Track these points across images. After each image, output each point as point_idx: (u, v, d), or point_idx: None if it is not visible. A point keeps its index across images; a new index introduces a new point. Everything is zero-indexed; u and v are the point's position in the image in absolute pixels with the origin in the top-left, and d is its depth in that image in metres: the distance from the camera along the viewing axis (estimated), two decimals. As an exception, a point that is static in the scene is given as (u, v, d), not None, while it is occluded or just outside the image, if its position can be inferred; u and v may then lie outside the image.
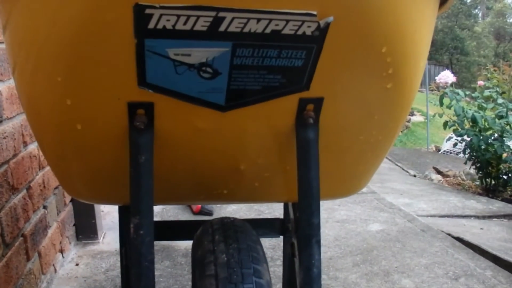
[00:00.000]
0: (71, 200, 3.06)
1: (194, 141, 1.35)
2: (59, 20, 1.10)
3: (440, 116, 5.67)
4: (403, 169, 7.27)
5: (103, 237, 3.27)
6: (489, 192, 5.37)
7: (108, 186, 1.48)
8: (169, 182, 1.48)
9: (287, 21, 1.08)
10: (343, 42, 1.16)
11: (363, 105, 1.34)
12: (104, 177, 1.45)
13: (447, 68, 24.01)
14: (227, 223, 1.51)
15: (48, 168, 2.62)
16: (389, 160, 8.06)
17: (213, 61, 1.16)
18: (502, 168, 5.27)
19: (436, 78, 5.72)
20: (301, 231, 1.38)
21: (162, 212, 3.78)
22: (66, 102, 1.22)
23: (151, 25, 1.07)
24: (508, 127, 5.21)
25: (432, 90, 11.67)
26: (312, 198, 1.36)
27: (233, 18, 1.06)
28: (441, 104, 5.60)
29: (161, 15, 1.05)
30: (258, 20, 1.08)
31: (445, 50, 32.50)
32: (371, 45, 1.18)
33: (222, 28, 1.08)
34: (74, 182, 1.51)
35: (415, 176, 6.64)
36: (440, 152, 10.67)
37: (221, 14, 1.05)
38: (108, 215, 3.65)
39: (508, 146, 5.14)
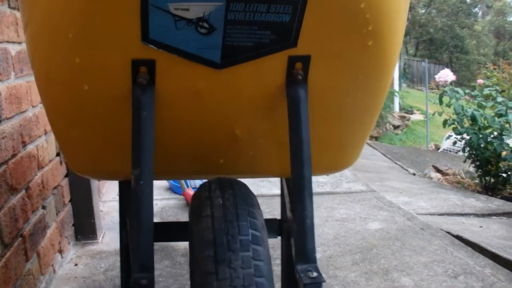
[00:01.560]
0: (70, 200, 3.07)
1: (192, 101, 1.42)
2: None
3: (440, 114, 5.68)
4: (402, 167, 7.27)
5: (102, 237, 3.27)
6: (489, 190, 5.38)
7: (111, 156, 1.55)
8: (168, 150, 1.53)
9: None
10: None
11: (347, 63, 1.43)
12: (108, 145, 1.51)
13: (447, 67, 24.02)
14: (224, 179, 1.57)
15: (47, 168, 2.62)
16: (389, 158, 8.07)
17: (209, 16, 1.25)
18: (502, 166, 5.28)
19: (436, 76, 5.73)
20: (293, 184, 1.43)
21: (161, 211, 3.79)
22: (75, 60, 1.30)
23: None
24: (507, 125, 5.22)
25: (431, 89, 11.68)
26: (303, 152, 1.41)
27: None
28: (441, 102, 5.61)
29: None
30: None
31: (445, 49, 32.51)
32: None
33: None
34: (78, 152, 1.57)
35: (414, 174, 6.65)
36: (439, 151, 10.68)
37: None
38: (107, 215, 3.65)
39: (508, 144, 5.15)
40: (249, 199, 1.49)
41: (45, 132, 2.64)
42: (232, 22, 1.28)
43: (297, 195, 1.43)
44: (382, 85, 1.57)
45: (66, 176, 2.99)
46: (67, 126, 1.49)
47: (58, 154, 2.84)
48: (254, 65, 1.37)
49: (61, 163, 2.88)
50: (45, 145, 2.64)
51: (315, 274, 1.39)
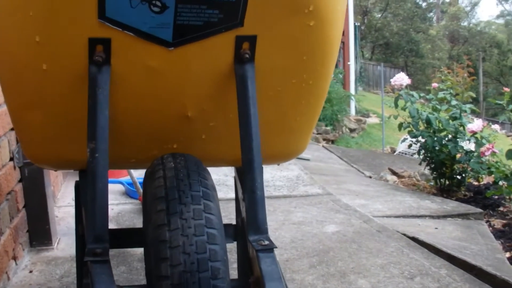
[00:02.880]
0: (25, 206, 3.02)
1: (144, 80, 1.48)
2: None
3: (395, 117, 5.73)
4: (359, 170, 7.32)
5: (58, 243, 3.23)
6: (444, 192, 5.44)
7: (68, 142, 1.57)
8: (121, 131, 1.57)
9: None
10: None
11: (291, 44, 1.51)
12: (65, 129, 1.55)
13: (402, 71, 24.27)
14: (176, 153, 1.61)
15: (0, 173, 2.58)
16: (345, 161, 8.11)
17: None
18: (456, 168, 5.34)
19: (391, 80, 5.78)
20: (243, 156, 1.50)
21: (117, 217, 3.75)
22: (35, 38, 1.35)
23: None
24: (461, 128, 5.29)
25: (387, 92, 11.81)
26: (251, 126, 1.48)
27: None
28: (396, 106, 5.66)
29: None
30: None
31: (401, 53, 32.85)
32: None
33: None
34: (35, 138, 1.59)
35: (370, 177, 6.69)
36: (395, 154, 10.78)
37: None
38: (62, 221, 3.61)
39: (462, 147, 5.22)
40: (199, 163, 1.53)
41: (-2, 137, 2.60)
42: (183, 1, 1.36)
43: (247, 167, 1.49)
44: (326, 66, 1.64)
45: (20, 181, 2.95)
46: (25, 108, 1.51)
47: (11, 159, 2.80)
48: (204, 44, 1.44)
49: (14, 168, 2.84)
50: (-2, 149, 2.60)
51: (266, 242, 1.45)
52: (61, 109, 1.49)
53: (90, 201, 1.37)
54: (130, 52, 1.42)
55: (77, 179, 1.77)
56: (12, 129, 2.81)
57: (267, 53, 1.50)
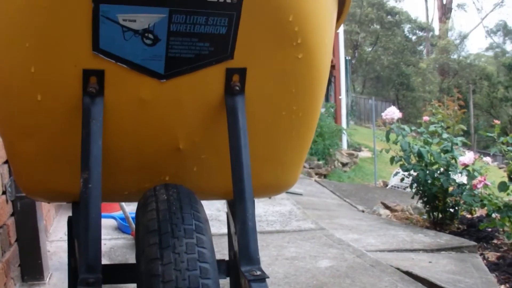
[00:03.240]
0: (17, 240, 3.00)
1: (136, 112, 1.50)
2: None
3: (387, 151, 5.74)
4: (351, 204, 7.31)
5: (49, 278, 3.20)
6: (437, 225, 5.43)
7: (61, 174, 1.58)
8: (113, 162, 1.57)
9: None
10: (257, 10, 1.40)
11: (280, 76, 1.54)
12: (58, 160, 1.55)
13: (393, 104, 24.39)
14: (169, 184, 1.60)
15: (-8, 208, 2.57)
16: (338, 196, 8.11)
17: (154, 27, 1.37)
18: (449, 201, 5.34)
19: (383, 114, 5.80)
20: (234, 186, 1.50)
21: (110, 252, 3.72)
22: (31, 69, 1.37)
23: None
24: (453, 161, 5.30)
25: (379, 126, 11.86)
26: (242, 156, 1.49)
27: None
28: (388, 139, 5.68)
29: None
30: None
31: (391, 86, 33.06)
32: (280, 12, 1.42)
33: None
34: (29, 169, 1.59)
35: (363, 211, 6.69)
36: (387, 187, 10.78)
37: None
38: (54, 255, 3.58)
39: (454, 180, 5.22)
40: (191, 195, 1.52)
41: (-9, 171, 2.59)
42: (175, 33, 1.39)
43: (238, 198, 1.49)
44: (315, 98, 1.66)
45: (12, 215, 2.93)
46: (19, 139, 1.52)
47: (4, 193, 2.78)
48: (195, 76, 1.47)
49: (7, 201, 2.82)
50: (-9, 184, 2.59)
51: (258, 272, 1.44)
52: (54, 139, 1.51)
53: (83, 231, 1.37)
54: (123, 84, 1.44)
55: (70, 214, 1.77)
56: (4, 162, 2.80)
57: (257, 85, 1.53)
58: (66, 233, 1.92)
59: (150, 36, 1.38)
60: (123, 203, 3.62)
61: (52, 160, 1.55)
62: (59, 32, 1.34)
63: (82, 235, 1.38)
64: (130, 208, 3.67)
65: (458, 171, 5.27)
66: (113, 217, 4.21)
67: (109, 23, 1.34)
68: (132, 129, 1.53)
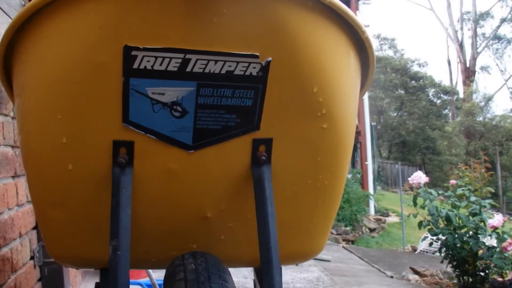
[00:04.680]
0: (43, 304, 3.00)
1: (165, 182, 1.51)
2: (66, 61, 1.34)
3: (415, 216, 5.71)
4: (380, 270, 7.23)
5: None
6: (467, 289, 5.35)
7: (91, 241, 1.59)
8: (142, 231, 1.58)
9: (237, 62, 1.36)
10: (282, 82, 1.42)
11: (306, 146, 1.55)
12: (88, 228, 1.57)
13: (420, 168, 24.28)
14: (196, 251, 1.61)
15: (20, 271, 2.58)
16: (366, 262, 8.02)
17: (182, 100, 1.40)
18: (479, 265, 5.28)
19: (409, 179, 5.79)
20: (261, 255, 1.49)
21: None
22: (62, 140, 1.40)
23: (135, 65, 1.32)
24: (482, 224, 5.25)
25: (406, 191, 11.76)
26: (269, 225, 1.49)
27: (196, 60, 1.33)
28: (415, 204, 5.65)
29: (143, 57, 1.30)
30: (216, 61, 1.35)
31: (417, 151, 32.92)
32: (304, 84, 1.44)
33: (188, 68, 1.35)
34: (59, 235, 1.60)
35: (392, 277, 6.61)
36: (416, 252, 10.66)
37: (187, 56, 1.32)
38: (81, 322, 3.57)
39: (483, 243, 5.17)
40: (220, 265, 1.53)
41: (20, 235, 2.62)
42: (202, 106, 1.41)
43: (265, 266, 1.48)
44: (341, 167, 1.66)
45: (39, 280, 2.94)
46: (50, 206, 1.54)
47: (32, 258, 2.80)
48: (222, 147, 1.49)
49: (34, 266, 2.83)
50: (20, 248, 2.60)
51: None
52: (84, 207, 1.52)
53: None
54: (152, 154, 1.46)
55: (96, 280, 1.77)
56: (33, 228, 2.82)
57: (283, 155, 1.54)
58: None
59: (179, 108, 1.41)
60: (150, 270, 3.61)
61: (82, 228, 1.57)
62: (91, 104, 1.37)
63: None
64: (157, 275, 3.66)
65: (487, 234, 5.22)
66: (140, 284, 4.19)
67: (139, 96, 1.37)
68: (160, 198, 1.54)
